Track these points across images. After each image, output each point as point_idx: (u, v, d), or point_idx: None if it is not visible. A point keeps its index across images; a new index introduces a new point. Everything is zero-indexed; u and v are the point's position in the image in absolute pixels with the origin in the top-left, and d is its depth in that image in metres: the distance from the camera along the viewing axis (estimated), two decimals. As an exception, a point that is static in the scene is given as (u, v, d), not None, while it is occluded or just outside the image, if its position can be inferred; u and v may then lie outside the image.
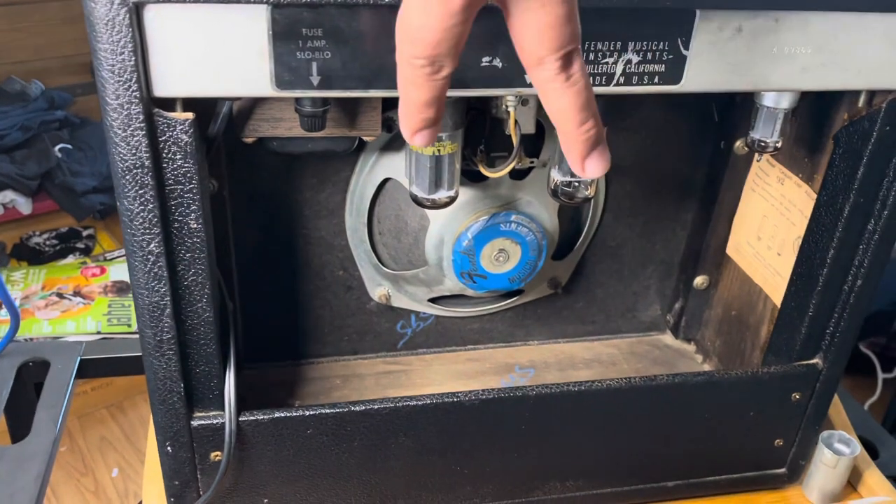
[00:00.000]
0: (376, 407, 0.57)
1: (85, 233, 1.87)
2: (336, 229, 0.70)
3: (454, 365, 0.80)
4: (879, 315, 1.63)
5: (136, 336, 0.51)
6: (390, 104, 0.61)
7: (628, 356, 0.83)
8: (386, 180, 0.67)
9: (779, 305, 0.68)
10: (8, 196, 1.62)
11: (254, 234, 0.69)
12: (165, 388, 0.52)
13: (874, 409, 1.73)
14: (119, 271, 1.71)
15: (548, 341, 0.84)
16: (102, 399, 1.81)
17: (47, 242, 1.81)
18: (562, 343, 0.84)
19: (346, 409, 0.57)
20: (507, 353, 0.82)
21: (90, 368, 0.87)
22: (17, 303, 1.61)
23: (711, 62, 0.49)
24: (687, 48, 0.48)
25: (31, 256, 1.78)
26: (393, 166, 0.66)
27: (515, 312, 0.81)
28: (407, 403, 0.57)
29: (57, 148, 1.68)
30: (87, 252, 1.84)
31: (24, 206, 1.66)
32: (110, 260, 1.78)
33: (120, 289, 1.68)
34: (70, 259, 1.80)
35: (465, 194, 0.66)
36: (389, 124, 0.63)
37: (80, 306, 1.63)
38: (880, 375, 1.74)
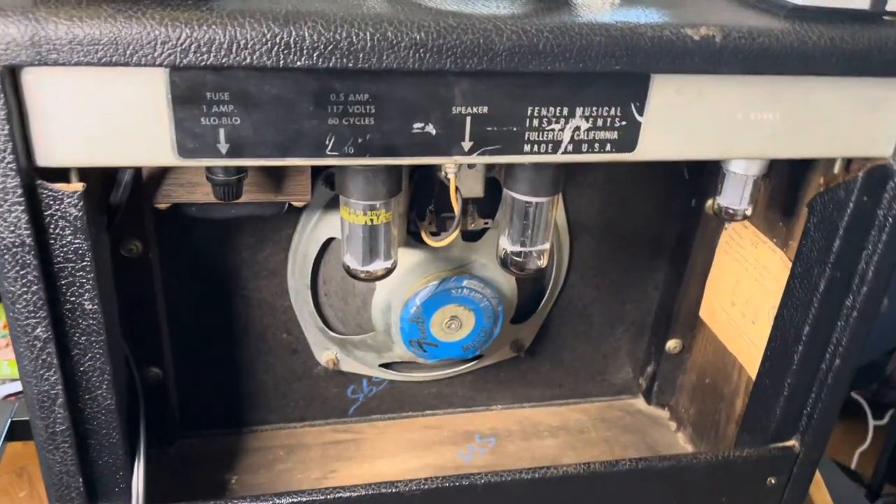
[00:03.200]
0: (304, 500, 0.52)
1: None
2: (278, 290, 0.65)
3: (409, 433, 0.75)
4: (870, 364, 1.58)
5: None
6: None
7: (597, 423, 0.78)
8: (330, 239, 0.62)
9: (754, 378, 0.63)
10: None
11: (187, 297, 0.64)
12: (62, 482, 0.46)
13: (865, 457, 1.67)
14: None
15: (511, 406, 0.78)
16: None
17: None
18: (526, 408, 0.79)
19: (270, 503, 0.51)
20: (467, 419, 0.77)
21: (23, 430, 0.81)
22: (-25, 342, 1.55)
23: (670, 128, 0.45)
24: (641, 114, 0.44)
25: (-5, 292, 1.72)
26: (338, 224, 0.61)
27: (476, 376, 0.75)
28: (339, 496, 0.52)
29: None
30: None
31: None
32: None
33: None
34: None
35: (414, 257, 0.61)
36: (332, 181, 0.59)
37: (42, 346, 1.56)
38: (871, 422, 1.68)
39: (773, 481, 0.60)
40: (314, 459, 0.70)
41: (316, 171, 0.54)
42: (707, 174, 0.66)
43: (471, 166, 0.52)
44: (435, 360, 0.65)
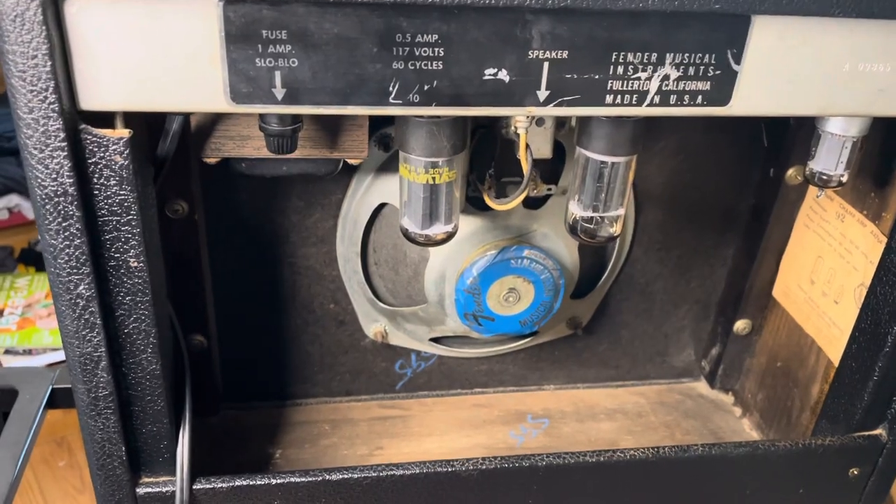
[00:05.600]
0: (356, 476, 0.49)
1: (95, 239, 1.82)
2: (326, 258, 0.62)
3: (458, 411, 0.71)
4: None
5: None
6: (383, 119, 0.53)
7: (656, 406, 0.74)
8: (382, 205, 0.59)
9: (835, 362, 0.58)
10: (13, 200, 1.57)
11: (233, 262, 0.61)
12: (104, 451, 0.44)
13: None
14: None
15: (565, 386, 0.75)
16: (106, 411, 1.75)
17: (55, 248, 1.76)
18: (581, 389, 0.75)
19: (320, 479, 0.48)
20: (519, 398, 0.73)
21: (63, 398, 0.80)
22: (19, 311, 1.56)
23: (768, 80, 0.40)
24: (738, 62, 0.39)
25: (38, 261, 1.73)
26: (390, 189, 0.57)
27: (529, 354, 0.72)
28: (392, 473, 0.49)
29: (67, 151, 1.63)
30: (96, 259, 1.78)
31: (30, 210, 1.61)
32: (119, 268, 1.72)
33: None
34: (78, 266, 1.75)
35: (471, 224, 0.58)
36: (386, 142, 0.55)
37: (84, 316, 1.57)
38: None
39: (855, 472, 0.56)
40: (360, 435, 0.68)
41: (371, 128, 0.51)
42: (788, 141, 0.61)
43: (539, 123, 0.47)
44: (490, 335, 0.62)
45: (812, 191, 0.61)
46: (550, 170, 0.57)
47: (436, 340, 0.67)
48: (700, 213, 0.66)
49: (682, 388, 0.76)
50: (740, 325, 0.70)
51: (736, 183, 0.65)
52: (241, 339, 0.65)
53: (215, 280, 0.61)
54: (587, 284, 0.67)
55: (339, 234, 0.61)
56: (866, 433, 0.55)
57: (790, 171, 0.61)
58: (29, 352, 1.50)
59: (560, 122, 0.49)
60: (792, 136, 0.60)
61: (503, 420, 0.71)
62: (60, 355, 1.55)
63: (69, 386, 0.81)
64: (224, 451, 0.65)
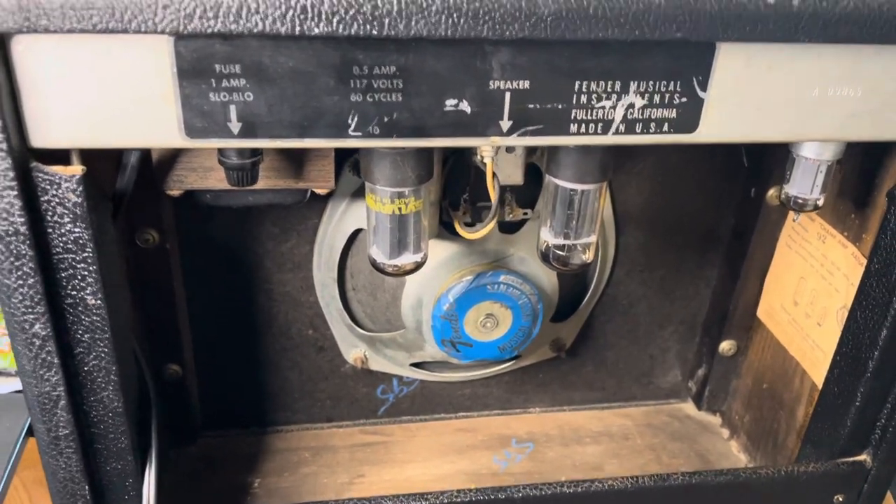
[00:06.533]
0: (327, 511, 0.48)
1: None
2: (303, 284, 0.62)
3: (441, 436, 0.70)
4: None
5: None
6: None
7: (643, 428, 0.73)
8: (358, 230, 0.58)
9: (819, 385, 0.57)
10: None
11: (208, 290, 0.60)
12: (66, 490, 0.43)
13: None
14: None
15: (550, 409, 0.74)
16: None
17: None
18: (567, 411, 0.74)
19: (290, 514, 0.47)
20: (503, 422, 0.72)
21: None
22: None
23: (736, 107, 0.39)
24: (704, 89, 0.39)
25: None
26: (366, 215, 0.57)
27: (513, 377, 0.71)
28: (364, 507, 0.48)
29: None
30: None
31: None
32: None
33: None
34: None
35: (447, 249, 0.57)
36: (358, 167, 0.54)
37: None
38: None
39: (840, 499, 0.55)
40: (341, 463, 0.67)
41: (341, 155, 0.50)
42: (769, 161, 0.60)
43: (509, 150, 0.47)
44: (469, 361, 0.61)
45: (791, 217, 0.61)
46: (527, 194, 0.56)
47: (417, 365, 0.66)
48: (682, 233, 0.65)
49: (670, 410, 0.75)
50: (725, 346, 0.69)
51: (717, 203, 0.64)
52: (219, 367, 0.64)
53: (190, 308, 0.61)
54: (569, 307, 0.66)
55: (315, 259, 0.60)
56: (850, 459, 0.54)
57: (771, 192, 0.61)
58: (12, 375, 1.49)
59: (531, 149, 0.48)
60: (771, 156, 0.60)
61: (487, 445, 0.70)
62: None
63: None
64: (202, 480, 0.64)
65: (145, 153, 0.42)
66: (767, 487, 0.53)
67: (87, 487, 0.43)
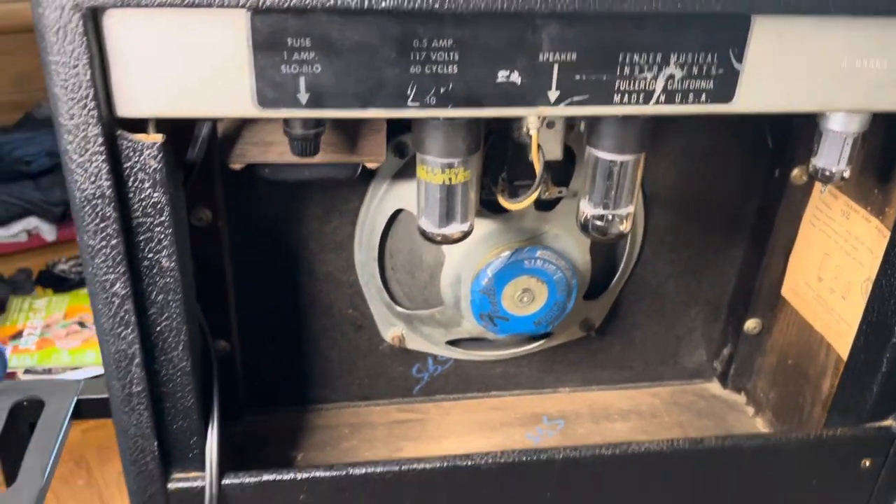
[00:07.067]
0: (379, 470, 0.50)
1: (112, 259, 1.85)
2: (344, 264, 0.64)
3: (475, 414, 0.73)
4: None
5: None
6: (400, 126, 0.55)
7: (670, 406, 0.75)
8: (398, 211, 0.61)
9: (844, 357, 0.59)
10: (32, 223, 1.60)
11: (254, 270, 0.63)
12: (137, 446, 0.45)
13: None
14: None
15: (580, 389, 0.76)
16: (124, 430, 1.77)
17: (73, 270, 1.78)
18: (595, 391, 0.76)
19: (345, 473, 0.50)
20: (535, 401, 0.74)
21: (88, 409, 0.81)
22: (38, 331, 1.58)
23: (769, 78, 0.42)
24: (740, 61, 0.41)
25: (56, 284, 1.76)
26: (406, 195, 0.59)
27: (544, 356, 0.73)
28: (414, 467, 0.50)
29: (84, 174, 1.66)
30: (112, 279, 1.81)
31: (49, 232, 1.64)
32: (135, 287, 1.75)
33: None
34: (95, 286, 1.77)
35: (485, 227, 0.59)
36: (402, 149, 0.57)
37: (102, 335, 1.59)
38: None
39: (867, 463, 0.57)
40: (380, 438, 0.69)
41: (387, 136, 0.53)
42: (793, 141, 0.62)
43: (549, 125, 0.49)
44: (505, 336, 0.63)
45: (817, 189, 0.63)
46: (562, 173, 0.59)
47: (452, 343, 0.69)
48: (708, 214, 0.68)
49: (695, 389, 0.77)
50: (751, 325, 0.71)
51: (742, 184, 0.66)
52: (263, 345, 0.67)
53: (237, 287, 0.63)
54: (599, 286, 0.68)
55: (356, 240, 0.63)
56: (877, 424, 0.56)
57: (795, 171, 0.63)
58: (48, 371, 1.52)
59: (570, 125, 0.51)
60: (795, 136, 0.62)
61: (519, 422, 0.72)
62: (79, 374, 1.57)
63: (93, 397, 0.83)
64: (247, 455, 0.66)
65: (212, 128, 0.44)
66: (797, 452, 0.55)
67: (155, 443, 0.45)
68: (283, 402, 0.70)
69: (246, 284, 0.63)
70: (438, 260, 0.63)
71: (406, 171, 0.59)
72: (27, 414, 0.80)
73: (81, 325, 1.60)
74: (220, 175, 0.56)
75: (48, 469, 0.71)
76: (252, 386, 0.69)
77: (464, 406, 0.74)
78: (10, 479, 0.80)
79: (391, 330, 0.67)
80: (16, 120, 1.73)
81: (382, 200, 0.60)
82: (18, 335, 1.57)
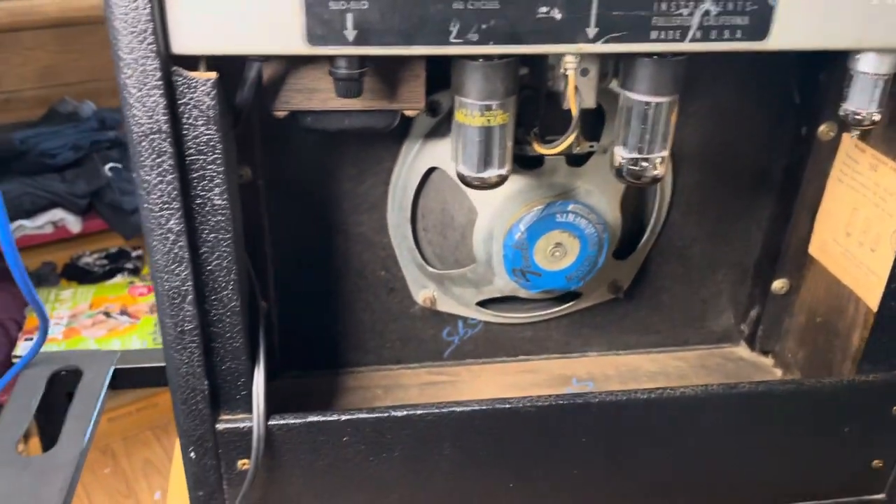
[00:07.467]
0: (419, 413, 0.51)
1: (134, 253, 1.87)
2: (377, 225, 0.65)
3: (505, 376, 0.74)
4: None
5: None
6: (435, 83, 0.56)
7: (698, 370, 0.76)
8: (431, 170, 0.62)
9: (874, 308, 0.60)
10: (58, 215, 1.63)
11: (290, 230, 0.64)
12: (188, 385, 0.47)
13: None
14: (165, 290, 1.69)
15: (608, 352, 0.77)
16: (147, 420, 1.79)
17: (97, 263, 1.81)
18: (623, 354, 0.77)
19: (387, 415, 0.51)
20: (563, 364, 0.75)
21: (124, 378, 0.83)
22: (64, 321, 1.61)
23: (803, 14, 0.43)
24: (774, -4, 0.42)
25: (81, 276, 1.78)
26: (438, 154, 0.60)
27: (572, 320, 0.74)
28: (454, 410, 0.51)
29: (107, 167, 1.69)
30: (135, 272, 1.83)
31: (74, 224, 1.66)
32: (157, 279, 1.77)
33: (166, 308, 1.65)
34: (118, 279, 1.80)
35: (517, 183, 0.61)
36: (434, 107, 0.58)
37: (127, 325, 1.61)
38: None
39: (899, 410, 0.57)
40: (412, 399, 0.70)
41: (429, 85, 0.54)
42: (819, 98, 0.63)
43: (584, 73, 0.50)
44: (537, 292, 0.64)
45: (844, 145, 0.64)
46: (592, 128, 0.60)
47: (482, 304, 0.70)
48: (735, 174, 0.69)
49: (723, 353, 0.78)
50: (778, 285, 0.72)
51: (769, 143, 0.67)
52: (298, 306, 0.68)
53: (274, 247, 0.65)
54: (627, 247, 0.69)
55: (389, 200, 0.64)
56: (909, 371, 0.56)
57: (822, 128, 0.64)
58: (74, 359, 1.54)
59: (603, 73, 0.52)
60: (822, 92, 0.63)
61: (549, 383, 0.73)
62: (104, 363, 1.59)
63: (130, 366, 0.85)
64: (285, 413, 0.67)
65: (258, 72, 0.46)
66: (829, 397, 0.56)
67: (205, 382, 0.47)
68: (317, 365, 0.72)
69: (283, 245, 0.65)
70: (470, 218, 0.64)
71: (438, 129, 0.60)
72: (65, 383, 0.81)
73: (107, 314, 1.62)
74: (259, 135, 0.57)
75: (88, 432, 0.73)
76: (287, 348, 0.70)
77: (493, 369, 0.75)
78: (48, 446, 0.82)
79: (423, 292, 0.69)
80: (40, 115, 1.75)
81: (415, 159, 0.62)
82: (45, 325, 1.59)
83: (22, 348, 1.53)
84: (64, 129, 1.67)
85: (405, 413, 0.51)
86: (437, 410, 0.52)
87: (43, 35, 1.70)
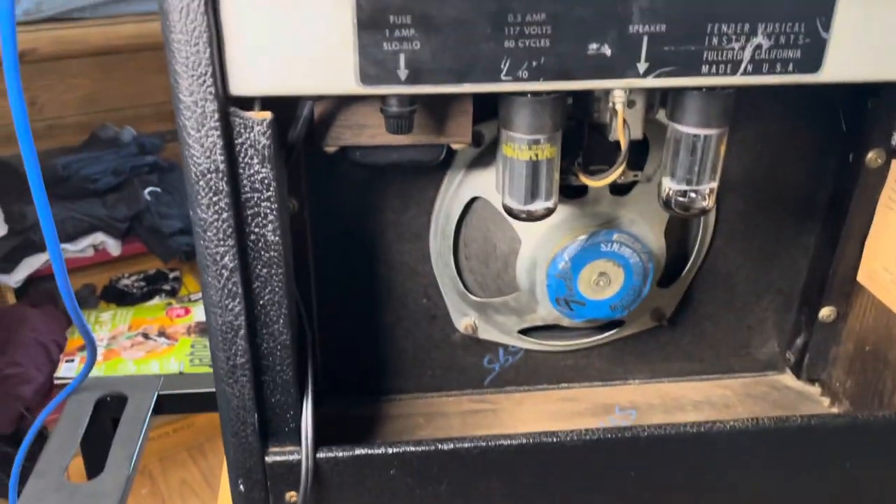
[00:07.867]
0: (466, 446, 0.51)
1: (171, 275, 1.90)
2: (420, 254, 0.66)
3: (546, 405, 0.73)
4: None
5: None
6: (480, 115, 0.56)
7: (743, 398, 0.74)
8: (473, 199, 0.62)
9: (928, 338, 0.58)
10: (99, 238, 1.66)
11: (334, 259, 0.65)
12: (238, 418, 0.47)
13: None
14: (203, 312, 1.72)
15: (650, 380, 0.76)
16: (184, 441, 1.81)
17: (135, 285, 1.84)
18: (666, 382, 0.76)
19: (433, 448, 0.51)
20: (605, 392, 0.75)
21: (168, 404, 0.84)
22: (104, 342, 1.63)
23: (856, 46, 0.42)
24: (827, 30, 0.42)
25: (120, 298, 1.81)
26: (481, 183, 0.61)
27: (614, 347, 0.73)
28: (500, 443, 0.51)
29: (146, 191, 1.72)
30: (173, 294, 1.86)
31: (114, 247, 1.70)
32: (195, 301, 1.80)
33: (203, 329, 1.68)
34: (156, 300, 1.83)
35: (561, 212, 0.60)
36: (477, 138, 0.59)
37: (165, 346, 1.64)
38: None
39: (958, 445, 0.56)
40: (454, 426, 0.70)
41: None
42: (868, 124, 0.62)
43: (630, 105, 0.50)
44: (581, 321, 0.64)
45: (893, 171, 0.63)
46: (636, 157, 0.60)
47: (524, 333, 0.70)
48: (780, 201, 0.68)
49: (769, 381, 0.76)
50: (825, 313, 0.71)
51: (815, 170, 0.66)
52: (340, 335, 0.68)
53: (318, 277, 0.65)
54: (671, 275, 0.69)
55: (432, 229, 0.64)
56: (967, 404, 0.55)
57: (870, 155, 0.63)
58: (114, 380, 1.56)
59: (650, 105, 0.52)
60: (871, 119, 0.62)
61: (591, 412, 0.72)
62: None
63: (173, 392, 0.86)
64: (328, 440, 0.68)
65: (311, 109, 0.47)
66: (884, 431, 0.55)
67: (256, 416, 0.47)
68: (358, 392, 0.72)
69: (326, 274, 0.65)
70: (513, 247, 0.64)
71: (481, 159, 0.60)
72: (110, 408, 0.83)
73: (146, 336, 1.65)
74: (305, 167, 0.58)
75: (134, 458, 0.74)
76: (330, 375, 0.70)
77: (534, 397, 0.74)
78: (92, 473, 0.83)
79: (464, 319, 0.69)
80: (82, 141, 1.80)
81: (458, 189, 0.62)
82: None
83: (64, 370, 1.55)
84: (105, 155, 1.71)
85: (452, 446, 0.51)
86: (483, 444, 0.51)
87: (86, 63, 1.75)
